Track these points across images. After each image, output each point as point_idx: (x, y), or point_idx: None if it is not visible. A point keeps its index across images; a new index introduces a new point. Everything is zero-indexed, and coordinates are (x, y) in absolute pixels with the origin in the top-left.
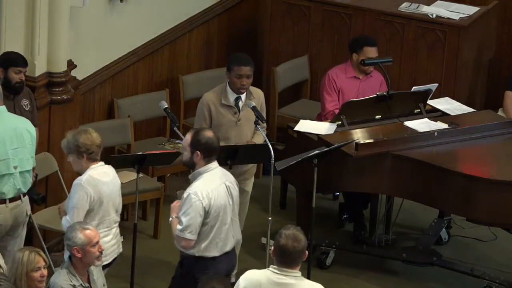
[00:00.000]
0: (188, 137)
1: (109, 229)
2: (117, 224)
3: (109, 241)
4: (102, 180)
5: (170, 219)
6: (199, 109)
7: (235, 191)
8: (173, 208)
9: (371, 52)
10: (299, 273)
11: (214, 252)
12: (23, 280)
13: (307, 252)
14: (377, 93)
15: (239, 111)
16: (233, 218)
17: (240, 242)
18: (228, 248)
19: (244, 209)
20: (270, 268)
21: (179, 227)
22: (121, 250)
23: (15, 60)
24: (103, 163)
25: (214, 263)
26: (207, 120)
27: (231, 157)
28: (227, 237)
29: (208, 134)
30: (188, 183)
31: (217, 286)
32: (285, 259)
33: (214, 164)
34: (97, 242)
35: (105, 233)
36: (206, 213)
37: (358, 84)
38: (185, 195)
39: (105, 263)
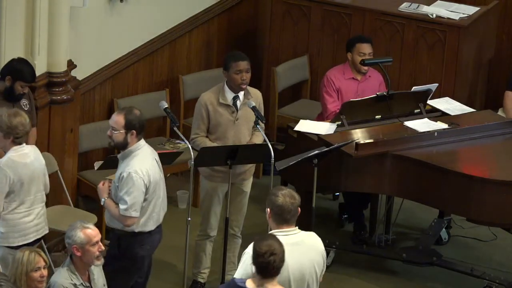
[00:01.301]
0: (118, 118)
1: (30, 209)
2: (42, 204)
3: (31, 221)
4: (21, 162)
5: (102, 201)
6: (197, 109)
7: (161, 165)
8: (102, 189)
9: (363, 48)
10: (297, 228)
11: (151, 226)
12: (23, 280)
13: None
14: (377, 93)
15: (237, 110)
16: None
17: (164, 210)
18: (161, 220)
19: (243, 209)
20: (273, 233)
21: (122, 206)
22: (46, 231)
23: (25, 75)
24: (25, 144)
25: (150, 237)
26: (204, 120)
27: (231, 157)
28: (160, 210)
29: (137, 112)
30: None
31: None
32: (285, 216)
33: (142, 141)
34: (97, 242)
35: (25, 213)
36: (147, 190)
37: (356, 85)
38: (124, 174)
39: (24, 242)
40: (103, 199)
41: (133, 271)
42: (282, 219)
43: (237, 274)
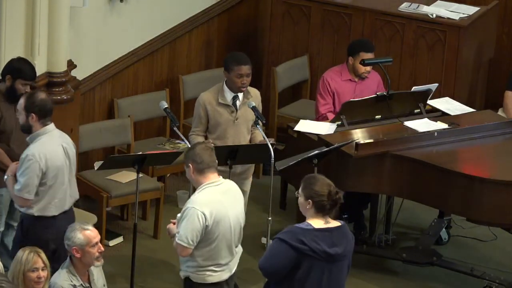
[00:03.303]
0: (21, 100)
1: None
2: None
3: None
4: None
5: (5, 178)
6: (196, 109)
7: (72, 151)
8: (11, 168)
9: (367, 57)
10: (221, 178)
11: (53, 211)
12: (20, 278)
13: None
14: (377, 93)
15: (236, 110)
16: (70, 178)
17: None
18: (66, 207)
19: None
20: (204, 186)
21: (17, 187)
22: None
23: (25, 73)
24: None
25: (54, 222)
26: (202, 119)
27: (231, 157)
28: (65, 196)
29: (41, 96)
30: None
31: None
32: (212, 165)
33: (51, 126)
34: (97, 243)
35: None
36: (44, 174)
37: (354, 86)
38: (23, 156)
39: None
40: (6, 176)
41: None
42: (205, 169)
43: (185, 231)
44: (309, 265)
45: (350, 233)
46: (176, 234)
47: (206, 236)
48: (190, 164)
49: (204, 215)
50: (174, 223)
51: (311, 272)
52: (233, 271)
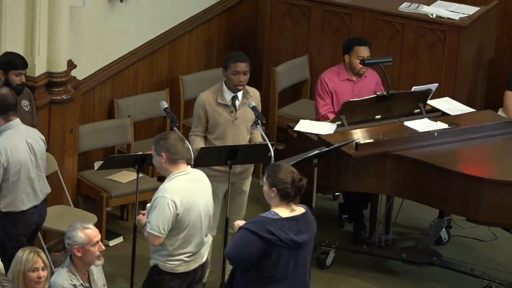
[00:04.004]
0: None
1: None
2: None
3: None
4: None
5: None
6: (195, 109)
7: (39, 147)
8: None
9: (362, 51)
10: (189, 167)
11: (21, 207)
12: (20, 278)
13: None
14: (377, 93)
15: (236, 110)
16: (38, 173)
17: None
18: (36, 201)
19: (242, 208)
20: (175, 174)
21: None
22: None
23: (14, 62)
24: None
25: (23, 217)
26: (201, 119)
27: (231, 157)
28: (34, 191)
29: (3, 91)
30: None
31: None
32: (181, 156)
33: (15, 121)
34: (98, 242)
35: None
36: (5, 169)
37: (352, 86)
38: None
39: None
40: None
41: (9, 248)
42: (178, 159)
43: (156, 220)
44: (278, 254)
45: (313, 217)
46: (147, 224)
47: (177, 224)
48: (163, 153)
49: (175, 203)
50: (143, 214)
51: (280, 260)
52: (204, 259)
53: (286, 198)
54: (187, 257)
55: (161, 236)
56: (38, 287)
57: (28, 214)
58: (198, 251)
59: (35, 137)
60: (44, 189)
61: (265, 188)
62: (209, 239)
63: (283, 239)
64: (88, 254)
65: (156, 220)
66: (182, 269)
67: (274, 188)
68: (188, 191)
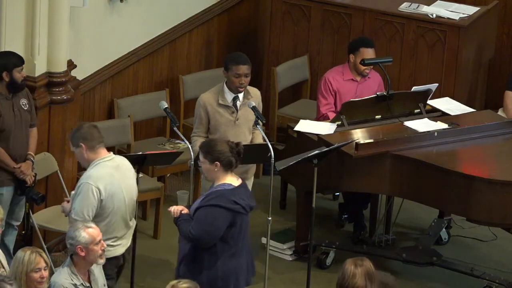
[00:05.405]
0: None
1: None
2: None
3: None
4: None
5: None
6: (196, 110)
7: None
8: None
9: (367, 53)
10: (112, 153)
11: None
12: (23, 279)
13: None
14: (377, 93)
15: (237, 110)
16: None
17: None
18: None
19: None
20: (98, 160)
21: None
22: None
23: (15, 61)
24: None
25: None
26: (203, 120)
27: None
28: None
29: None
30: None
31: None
32: (98, 141)
33: None
34: (100, 240)
35: None
36: None
37: (355, 86)
38: None
39: None
40: None
41: None
42: (96, 145)
43: (80, 207)
44: (240, 221)
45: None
46: (72, 210)
47: (101, 210)
48: (81, 144)
49: (99, 189)
50: (68, 201)
51: (242, 227)
52: (129, 244)
53: (230, 167)
54: (113, 241)
55: None
56: (40, 287)
57: None
58: (124, 235)
59: None
60: None
61: (206, 166)
62: (133, 224)
63: (244, 206)
64: (91, 253)
65: (80, 207)
66: (109, 254)
67: (217, 162)
68: (111, 177)
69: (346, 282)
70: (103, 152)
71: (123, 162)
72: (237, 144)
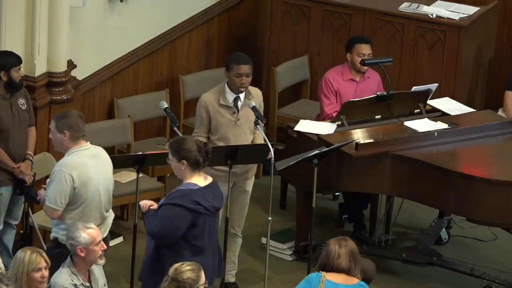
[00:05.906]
0: None
1: None
2: None
3: None
4: None
5: None
6: (197, 110)
7: None
8: None
9: (363, 48)
10: (89, 143)
11: None
12: (24, 279)
13: None
14: (377, 93)
15: (238, 111)
16: None
17: None
18: None
19: (244, 209)
20: (74, 149)
21: None
22: None
23: (13, 61)
24: None
25: None
26: (204, 120)
27: (231, 157)
28: None
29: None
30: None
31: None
32: (81, 133)
33: None
34: (100, 241)
35: None
36: None
37: (355, 86)
38: None
39: None
40: None
41: None
42: (80, 137)
43: (53, 194)
44: (203, 222)
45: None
46: (46, 197)
47: (74, 198)
48: (65, 131)
49: (72, 177)
50: (45, 189)
51: (204, 227)
52: (105, 235)
53: (197, 166)
54: None
55: (59, 209)
56: (41, 287)
57: None
58: (98, 226)
59: None
60: None
61: (174, 164)
62: (110, 215)
63: (208, 207)
64: (92, 253)
65: (53, 194)
66: None
67: (184, 161)
68: (85, 165)
69: (331, 262)
70: (83, 142)
71: (100, 153)
72: (205, 144)
